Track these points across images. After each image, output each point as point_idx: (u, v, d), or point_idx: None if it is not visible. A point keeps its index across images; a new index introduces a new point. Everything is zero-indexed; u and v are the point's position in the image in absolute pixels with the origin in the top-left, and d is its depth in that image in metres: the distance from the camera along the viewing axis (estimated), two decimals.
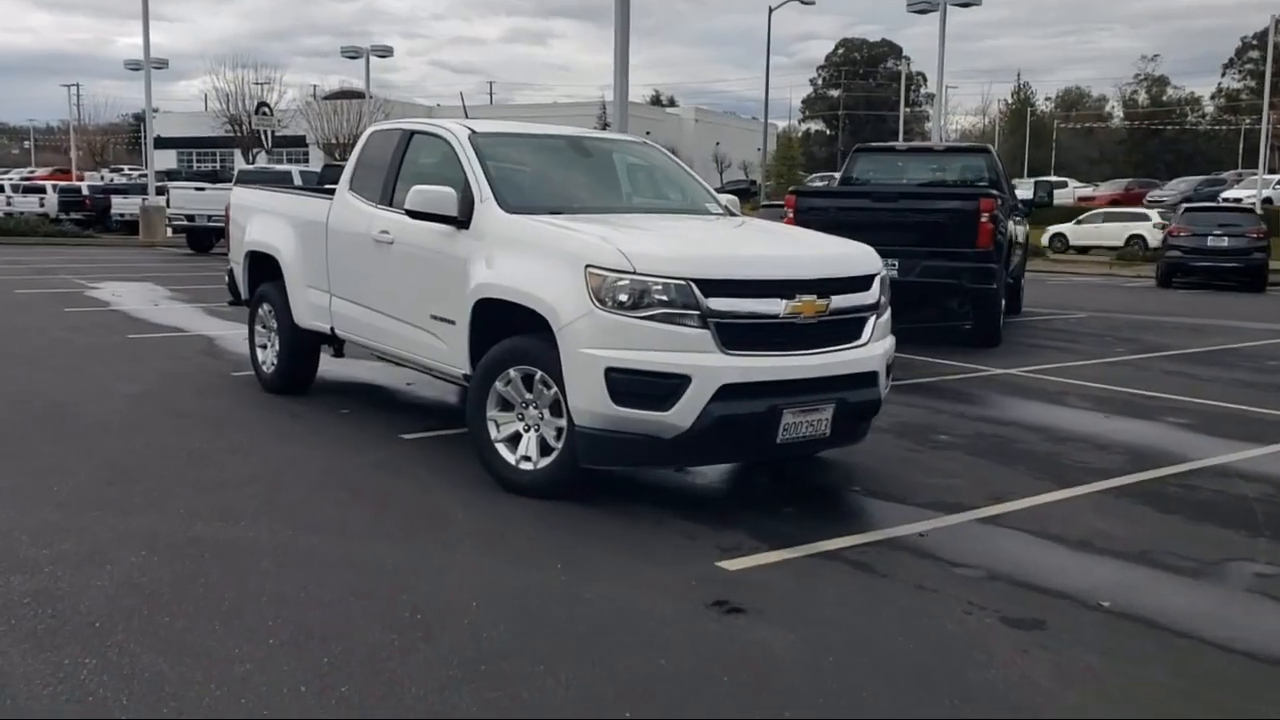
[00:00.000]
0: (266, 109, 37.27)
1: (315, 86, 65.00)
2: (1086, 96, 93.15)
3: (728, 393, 4.96)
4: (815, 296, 5.23)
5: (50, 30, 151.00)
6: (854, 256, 5.67)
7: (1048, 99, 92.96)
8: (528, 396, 5.43)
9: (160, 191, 29.23)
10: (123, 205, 34.08)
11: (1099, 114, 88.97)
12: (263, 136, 35.84)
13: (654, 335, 4.94)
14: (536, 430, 5.43)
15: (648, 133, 63.68)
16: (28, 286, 15.84)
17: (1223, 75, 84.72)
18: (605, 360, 4.94)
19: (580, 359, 5.02)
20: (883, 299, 5.65)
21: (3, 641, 3.58)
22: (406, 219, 6.19)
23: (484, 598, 4.07)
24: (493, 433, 5.55)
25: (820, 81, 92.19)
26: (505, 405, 5.53)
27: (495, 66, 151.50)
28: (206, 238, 25.28)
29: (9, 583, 4.09)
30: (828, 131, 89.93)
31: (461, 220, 5.86)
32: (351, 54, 46.73)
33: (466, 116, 7.43)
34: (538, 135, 6.89)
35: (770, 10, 42.45)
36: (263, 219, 8.01)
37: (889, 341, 5.70)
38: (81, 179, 46.57)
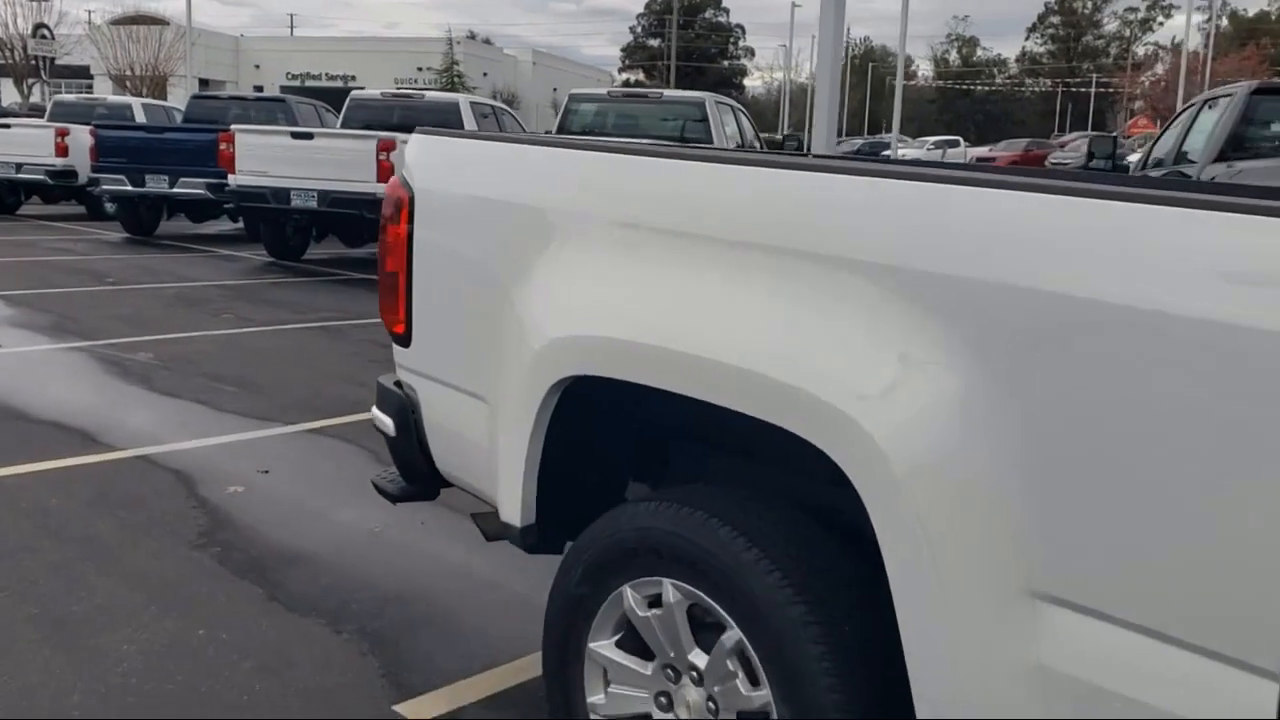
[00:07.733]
0: (46, 31, 32.14)
1: (90, 12, 56.16)
2: (890, 54, 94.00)
3: None
4: None
5: None
6: None
7: (855, 56, 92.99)
8: None
9: None
10: None
11: (908, 73, 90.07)
12: (41, 64, 31.21)
13: None
14: None
15: (485, 74, 57.37)
16: None
17: (1026, 39, 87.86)
18: None
19: None
20: None
21: None
22: None
23: None
24: None
25: (640, 30, 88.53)
26: None
27: None
28: (12, 194, 18.48)
29: None
30: (649, 81, 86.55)
31: None
32: None
33: None
34: None
35: None
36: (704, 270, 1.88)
37: None
38: None
